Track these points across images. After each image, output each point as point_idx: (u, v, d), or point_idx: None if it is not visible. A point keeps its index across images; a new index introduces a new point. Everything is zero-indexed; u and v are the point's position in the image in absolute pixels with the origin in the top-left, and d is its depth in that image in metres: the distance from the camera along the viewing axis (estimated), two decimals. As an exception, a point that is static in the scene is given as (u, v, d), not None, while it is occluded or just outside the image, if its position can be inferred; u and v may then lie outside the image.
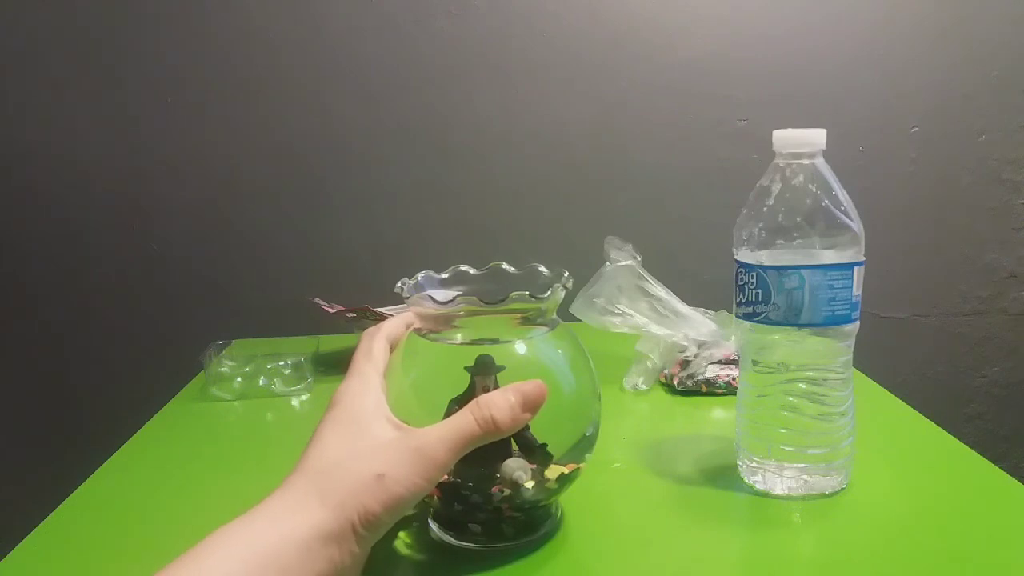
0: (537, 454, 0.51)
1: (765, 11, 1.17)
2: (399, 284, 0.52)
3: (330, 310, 0.95)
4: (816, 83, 1.19)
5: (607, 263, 0.87)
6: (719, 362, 0.81)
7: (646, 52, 1.17)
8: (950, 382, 1.31)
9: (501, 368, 0.50)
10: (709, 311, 0.88)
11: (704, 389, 0.80)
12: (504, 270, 0.56)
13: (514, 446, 0.51)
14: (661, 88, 1.18)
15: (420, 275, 0.55)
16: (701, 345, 0.82)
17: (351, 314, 0.93)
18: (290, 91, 1.15)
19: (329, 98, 1.16)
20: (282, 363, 0.89)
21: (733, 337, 0.83)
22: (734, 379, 0.79)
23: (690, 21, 1.17)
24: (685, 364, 0.81)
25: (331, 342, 1.04)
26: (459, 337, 0.53)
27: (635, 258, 0.84)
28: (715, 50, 1.18)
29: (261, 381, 0.87)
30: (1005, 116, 1.23)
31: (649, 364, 0.82)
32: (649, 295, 0.83)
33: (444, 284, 0.56)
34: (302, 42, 1.14)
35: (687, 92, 1.19)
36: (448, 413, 0.50)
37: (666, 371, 0.83)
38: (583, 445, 0.53)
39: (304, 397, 0.86)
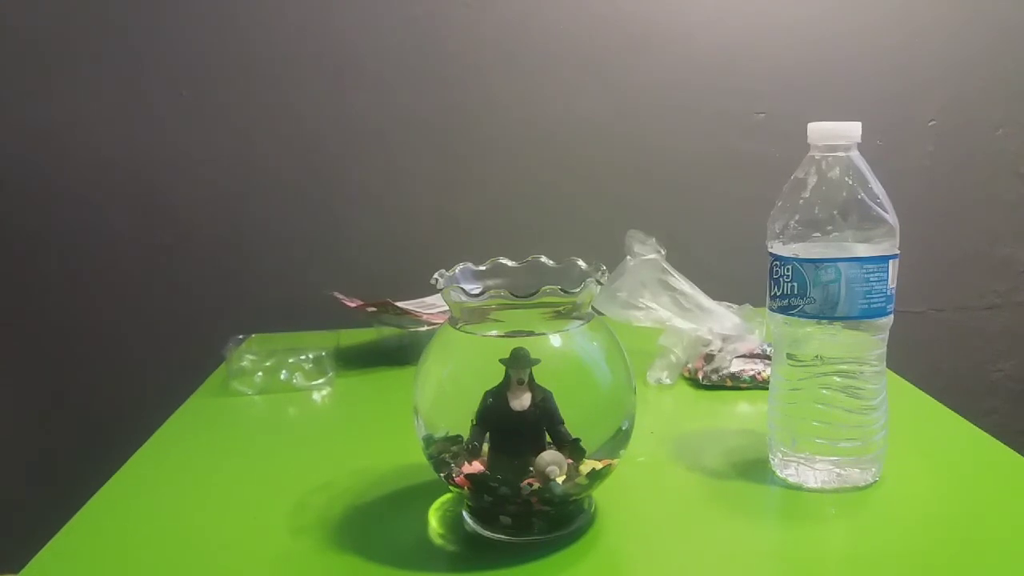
0: (571, 449, 0.51)
1: (784, 5, 1.17)
2: (435, 275, 0.52)
3: (350, 304, 0.95)
4: (834, 77, 1.19)
5: (629, 257, 0.87)
6: (744, 356, 0.81)
7: (665, 44, 1.17)
8: (966, 376, 1.31)
9: (536, 361, 0.50)
10: (733, 305, 0.87)
11: (729, 383, 0.80)
12: (542, 263, 0.56)
13: (548, 440, 0.51)
14: (681, 80, 1.18)
15: (458, 267, 0.55)
16: (725, 339, 0.82)
17: (371, 308, 0.93)
18: (307, 85, 1.15)
19: (346, 92, 1.16)
20: (303, 357, 0.89)
21: (757, 331, 0.83)
22: (759, 373, 0.79)
23: (708, 14, 1.17)
24: (709, 358, 0.81)
25: (351, 336, 1.04)
26: (495, 330, 0.53)
27: (659, 252, 0.84)
28: (733, 43, 1.18)
29: (282, 375, 0.87)
30: (1022, 110, 1.22)
31: (673, 358, 0.82)
32: (672, 289, 0.83)
33: (481, 276, 0.56)
34: (319, 35, 1.14)
35: (707, 85, 1.18)
36: (483, 405, 0.50)
37: (690, 365, 0.83)
38: (618, 439, 0.53)
39: (325, 391, 0.86)
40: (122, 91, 1.14)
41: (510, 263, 0.57)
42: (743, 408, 0.77)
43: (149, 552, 0.54)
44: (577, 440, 0.51)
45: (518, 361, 0.50)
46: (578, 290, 0.50)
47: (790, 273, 0.55)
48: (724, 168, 1.21)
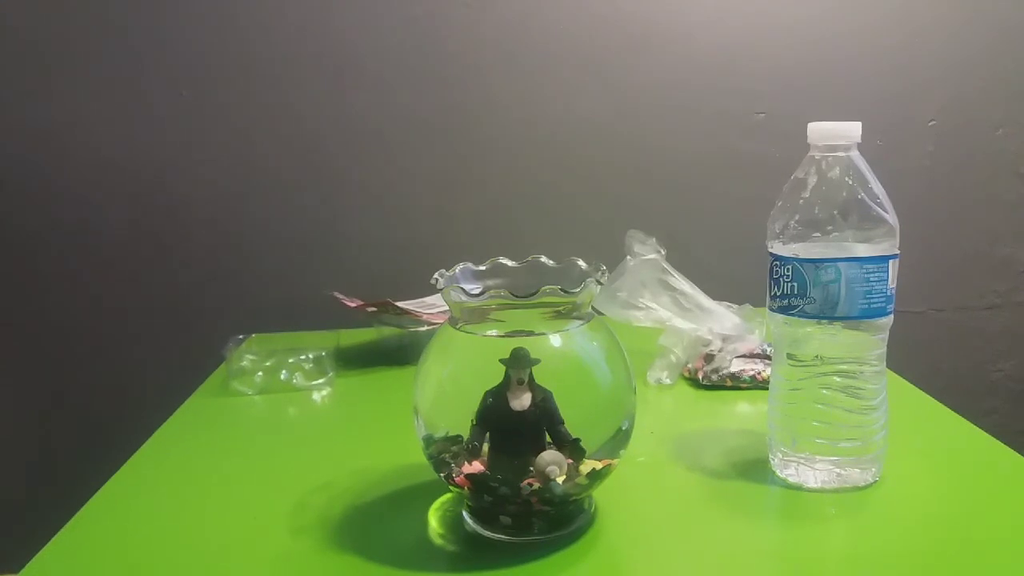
0: (571, 449, 0.51)
1: (784, 5, 1.17)
2: (435, 275, 0.52)
3: (350, 304, 0.95)
4: (834, 77, 1.19)
5: (629, 257, 0.87)
6: (744, 356, 0.81)
7: (665, 44, 1.17)
8: (966, 376, 1.31)
9: (536, 361, 0.50)
10: (733, 305, 0.87)
11: (729, 383, 0.80)
12: (542, 263, 0.57)
13: (548, 440, 0.51)
14: (681, 80, 1.18)
15: (458, 267, 0.55)
16: (725, 339, 0.82)
17: (372, 308, 0.93)
18: (307, 85, 1.15)
19: (346, 92, 1.16)
20: (303, 357, 0.89)
21: (757, 331, 0.83)
22: (759, 373, 0.79)
23: (708, 14, 1.17)
24: (709, 358, 0.81)
25: (351, 336, 1.04)
26: (495, 330, 0.53)
27: (659, 252, 0.84)
28: (733, 43, 1.18)
29: (282, 375, 0.87)
30: (1022, 110, 1.22)
31: (673, 358, 0.82)
32: (672, 289, 0.83)
33: (481, 276, 0.56)
34: (319, 35, 1.14)
35: (707, 85, 1.18)
36: (483, 405, 0.50)
37: (690, 365, 0.83)
38: (618, 439, 0.53)
39: (325, 391, 0.85)
40: (122, 91, 1.14)
41: (510, 263, 0.57)
42: (743, 408, 0.77)
43: (149, 552, 0.54)
44: (577, 440, 0.51)
45: (518, 361, 0.50)
46: (578, 290, 0.50)
47: (790, 273, 0.55)
48: (724, 168, 1.21)
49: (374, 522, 0.56)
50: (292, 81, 1.15)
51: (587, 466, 0.52)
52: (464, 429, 0.51)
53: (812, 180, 0.56)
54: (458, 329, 0.53)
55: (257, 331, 1.04)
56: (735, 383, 0.80)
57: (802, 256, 0.55)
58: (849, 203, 0.55)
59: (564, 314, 0.52)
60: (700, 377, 0.81)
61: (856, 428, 0.57)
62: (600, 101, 1.18)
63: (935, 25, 1.19)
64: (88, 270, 1.18)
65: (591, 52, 1.17)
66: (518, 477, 0.50)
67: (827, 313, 0.55)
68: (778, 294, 0.56)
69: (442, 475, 0.53)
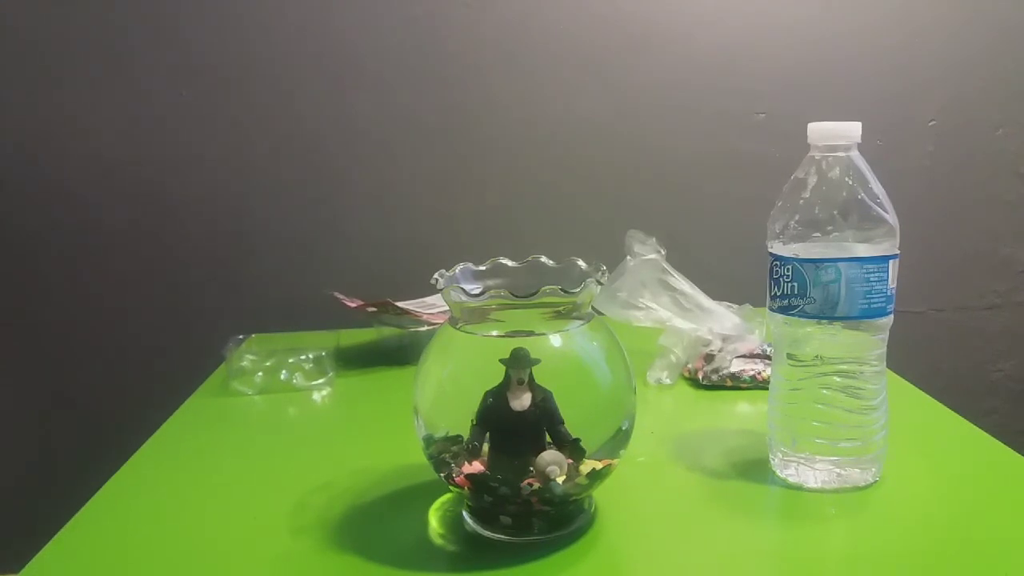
0: (571, 449, 0.51)
1: (784, 5, 1.17)
2: (435, 275, 0.52)
3: (351, 304, 0.95)
4: (834, 77, 1.19)
5: (629, 257, 0.87)
6: (744, 356, 0.81)
7: (665, 44, 1.17)
8: (966, 376, 1.31)
9: (536, 361, 0.50)
10: (733, 305, 0.87)
11: (729, 383, 0.80)
12: (542, 263, 0.57)
13: (548, 440, 0.51)
14: (681, 80, 1.18)
15: (458, 267, 0.55)
16: (725, 339, 0.82)
17: (372, 308, 0.93)
18: (307, 85, 1.15)
19: (346, 92, 1.16)
20: (303, 357, 0.89)
21: (757, 331, 0.83)
22: (759, 373, 0.79)
23: (708, 14, 1.17)
24: (709, 358, 0.81)
25: (352, 336, 1.04)
26: (495, 330, 0.53)
27: (659, 252, 0.84)
28: (733, 43, 1.18)
29: (282, 375, 0.87)
30: (1022, 110, 1.22)
31: (673, 358, 0.82)
32: (672, 289, 0.83)
33: (481, 276, 0.56)
34: (319, 35, 1.14)
35: (707, 85, 1.18)
36: (483, 405, 0.50)
37: (690, 365, 0.83)
38: (618, 439, 0.53)
39: (325, 391, 0.86)
40: (122, 91, 1.14)
41: (510, 263, 0.57)
42: (743, 408, 0.77)
43: (149, 552, 0.54)
44: (577, 440, 0.51)
45: (518, 361, 0.50)
46: (578, 290, 0.50)
47: (790, 273, 0.55)
48: (724, 168, 1.21)
49: (374, 522, 0.56)
50: (292, 81, 1.15)
51: (587, 466, 0.52)
52: (464, 429, 0.51)
53: (812, 180, 0.56)
54: (458, 329, 0.53)
55: (257, 331, 1.05)
56: (735, 383, 0.80)
57: (802, 256, 0.55)
58: (849, 203, 0.55)
59: (564, 314, 0.52)
60: (700, 377, 0.81)
61: (856, 428, 0.57)
62: (600, 101, 1.18)
63: (935, 25, 1.19)
64: (88, 270, 1.18)
65: (591, 52, 1.17)
66: (518, 477, 0.50)
67: (827, 313, 0.55)
68: (778, 294, 0.56)
69: (442, 475, 0.53)
